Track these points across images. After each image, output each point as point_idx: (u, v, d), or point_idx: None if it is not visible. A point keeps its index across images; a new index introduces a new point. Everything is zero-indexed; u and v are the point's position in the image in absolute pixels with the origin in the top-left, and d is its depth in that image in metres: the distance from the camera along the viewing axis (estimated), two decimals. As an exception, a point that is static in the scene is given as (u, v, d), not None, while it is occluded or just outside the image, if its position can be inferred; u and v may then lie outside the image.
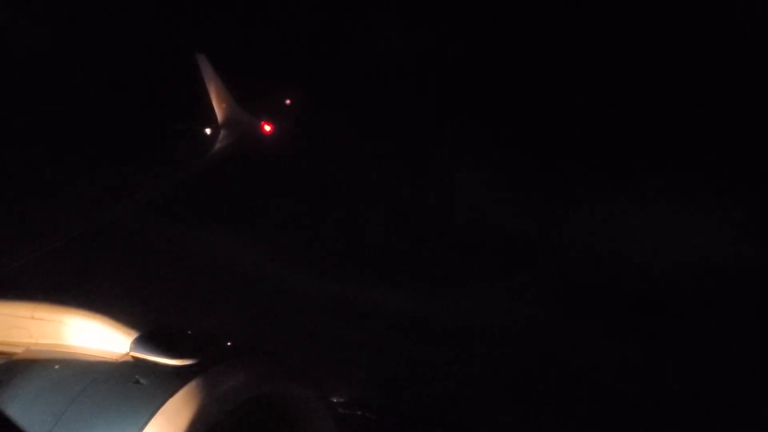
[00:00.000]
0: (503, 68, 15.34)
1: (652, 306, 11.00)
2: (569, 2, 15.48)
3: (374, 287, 11.10)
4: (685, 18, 14.20)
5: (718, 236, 11.90)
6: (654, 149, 13.87)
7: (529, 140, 14.68)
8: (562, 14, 15.08)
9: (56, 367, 3.33)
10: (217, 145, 14.68)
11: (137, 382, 3.11)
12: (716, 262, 11.35)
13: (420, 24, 15.82)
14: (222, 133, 15.00)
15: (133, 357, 3.30)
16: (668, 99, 14.18)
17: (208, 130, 15.12)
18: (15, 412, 3.11)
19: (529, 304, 11.13)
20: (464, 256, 12.56)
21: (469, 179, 13.89)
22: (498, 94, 15.06)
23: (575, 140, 14.41)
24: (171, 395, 3.00)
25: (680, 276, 11.42)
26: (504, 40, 15.22)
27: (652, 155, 13.78)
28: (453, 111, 15.23)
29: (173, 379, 3.08)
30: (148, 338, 3.34)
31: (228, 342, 3.46)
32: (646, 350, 9.82)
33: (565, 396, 8.88)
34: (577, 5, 15.27)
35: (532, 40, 15.19)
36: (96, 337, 3.44)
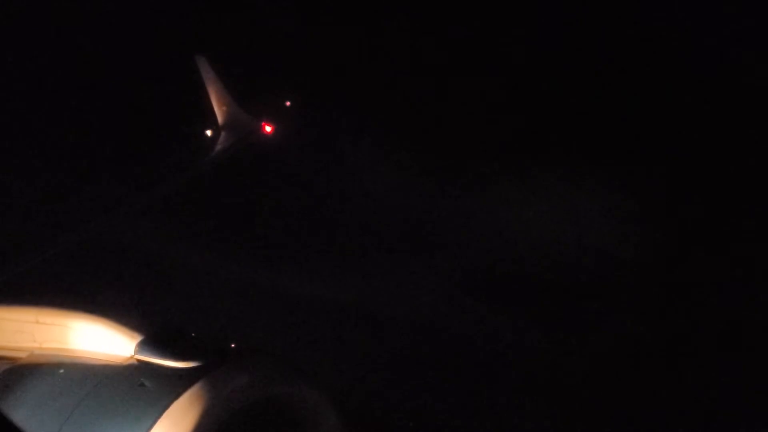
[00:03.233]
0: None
1: (554, 290, 11.31)
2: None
3: (372, 288, 11.14)
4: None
5: (614, 224, 12.33)
6: (555, 140, 14.34)
7: (437, 132, 15.06)
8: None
9: (61, 371, 3.33)
10: (218, 147, 14.67)
11: (142, 385, 3.12)
12: (611, 248, 11.78)
13: (420, 25, 15.91)
14: (223, 135, 14.97)
15: (137, 360, 3.30)
16: (567, 90, 14.65)
17: (208, 132, 15.11)
18: (21, 416, 3.12)
19: (444, 290, 11.32)
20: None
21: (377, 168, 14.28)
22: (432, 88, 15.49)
23: (480, 131, 14.85)
24: (176, 398, 3.01)
25: (581, 262, 11.77)
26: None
27: (554, 146, 14.25)
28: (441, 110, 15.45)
29: (178, 382, 3.08)
30: (152, 341, 3.35)
31: (232, 344, 3.46)
32: (550, 332, 10.05)
33: (481, 379, 9.00)
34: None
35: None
36: (100, 340, 3.44)
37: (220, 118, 15.11)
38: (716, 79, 13.60)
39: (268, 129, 15.38)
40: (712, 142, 13.26)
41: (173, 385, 3.07)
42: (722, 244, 11.87)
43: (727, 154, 13.02)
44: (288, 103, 15.93)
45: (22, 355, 3.55)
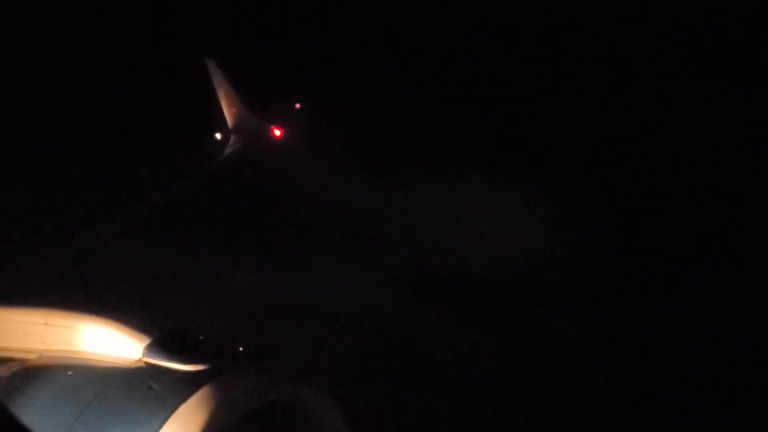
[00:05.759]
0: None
1: (491, 290, 11.31)
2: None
3: (374, 294, 11.13)
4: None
5: (551, 225, 12.32)
6: (494, 139, 14.40)
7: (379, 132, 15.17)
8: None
9: (70, 373, 3.35)
10: (228, 151, 14.70)
11: (150, 387, 3.13)
12: (548, 249, 11.77)
13: (432, 28, 15.99)
14: (232, 138, 15.01)
15: (145, 363, 3.31)
16: (497, 91, 14.74)
17: (218, 136, 15.16)
18: (30, 418, 3.13)
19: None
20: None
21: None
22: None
23: (419, 133, 14.94)
24: (184, 400, 3.01)
25: (517, 261, 11.77)
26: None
27: (494, 145, 14.30)
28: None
29: (186, 385, 3.09)
30: (160, 344, 3.36)
31: (239, 347, 3.47)
32: (487, 331, 10.03)
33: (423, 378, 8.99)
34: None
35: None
36: (109, 343, 3.46)
37: (229, 122, 15.14)
38: (645, 76, 13.67)
39: (277, 133, 15.40)
40: (640, 142, 13.28)
41: (181, 387, 3.08)
42: (652, 244, 11.89)
43: (654, 154, 13.04)
44: (298, 106, 15.96)
45: (32, 356, 3.57)
